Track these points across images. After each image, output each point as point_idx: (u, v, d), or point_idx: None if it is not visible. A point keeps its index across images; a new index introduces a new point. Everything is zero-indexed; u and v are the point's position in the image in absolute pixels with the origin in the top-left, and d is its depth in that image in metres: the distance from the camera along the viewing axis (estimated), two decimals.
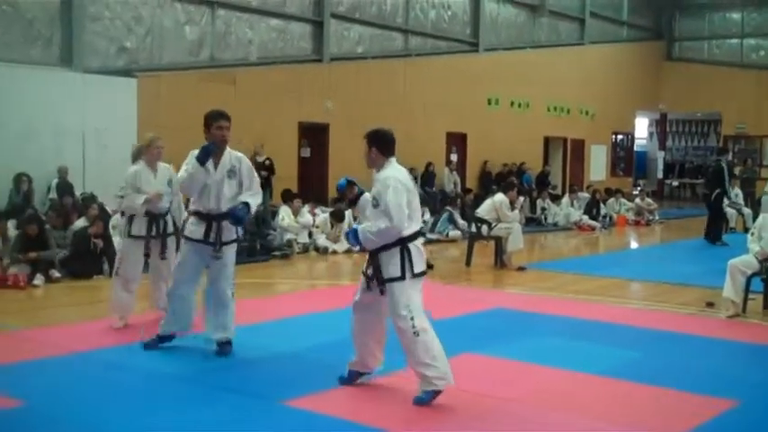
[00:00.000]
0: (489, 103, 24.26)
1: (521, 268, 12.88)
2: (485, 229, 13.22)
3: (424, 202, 18.11)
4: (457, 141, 23.64)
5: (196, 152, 6.83)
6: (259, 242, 13.86)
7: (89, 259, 11.37)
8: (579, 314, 9.10)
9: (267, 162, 16.61)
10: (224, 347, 6.87)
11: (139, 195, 8.00)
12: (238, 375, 6.37)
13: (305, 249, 14.63)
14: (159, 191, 8.12)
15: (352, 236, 5.77)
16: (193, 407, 5.58)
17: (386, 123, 21.99)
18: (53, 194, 14.18)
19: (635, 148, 32.94)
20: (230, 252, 6.92)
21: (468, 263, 13.27)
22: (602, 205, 21.62)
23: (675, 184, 33.84)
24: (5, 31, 14.37)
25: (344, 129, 18.65)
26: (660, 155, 33.81)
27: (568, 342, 7.72)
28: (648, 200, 23.04)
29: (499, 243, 13.16)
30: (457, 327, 8.41)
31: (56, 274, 10.93)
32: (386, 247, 5.64)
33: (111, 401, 5.68)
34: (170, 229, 8.29)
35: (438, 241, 16.62)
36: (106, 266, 11.44)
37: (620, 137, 31.64)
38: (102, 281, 11.19)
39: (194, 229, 6.88)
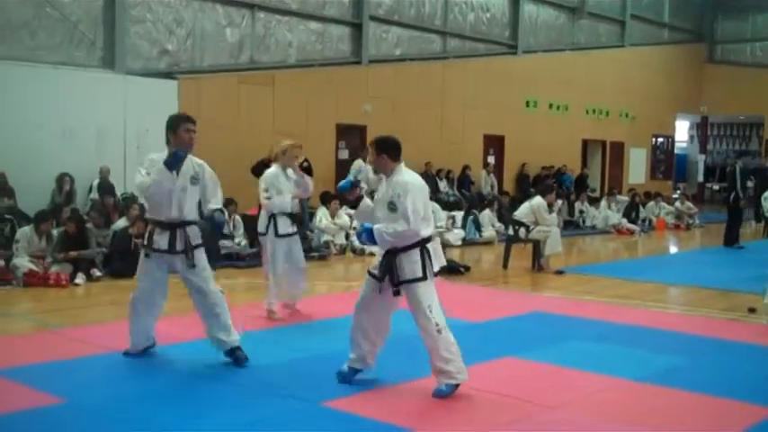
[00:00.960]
0: (527, 105, 24.15)
1: (559, 272, 12.80)
2: (522, 231, 13.17)
3: (454, 206, 18.23)
4: (494, 143, 23.57)
5: (155, 156, 6.65)
6: None
7: (129, 258, 11.47)
8: (619, 319, 9.03)
9: (305, 164, 16.61)
10: (238, 356, 6.63)
11: (287, 195, 8.78)
12: (277, 376, 6.39)
13: (342, 251, 14.67)
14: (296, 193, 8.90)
15: (367, 235, 5.85)
16: (234, 407, 5.62)
17: (423, 125, 22.25)
18: (94, 194, 14.35)
19: (675, 152, 32.58)
20: (201, 255, 6.73)
21: (505, 266, 13.23)
22: (641, 209, 21.43)
23: (716, 187, 33.42)
24: (50, 33, 14.58)
25: (382, 130, 18.53)
26: (701, 158, 33.41)
27: (610, 347, 7.66)
28: (688, 203, 22.79)
29: (537, 246, 13.09)
30: (496, 330, 8.40)
31: (97, 273, 11.07)
32: (405, 249, 5.77)
33: (151, 400, 5.73)
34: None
35: (474, 243, 16.57)
36: None
37: (660, 140, 31.33)
38: None
39: (158, 239, 6.64)
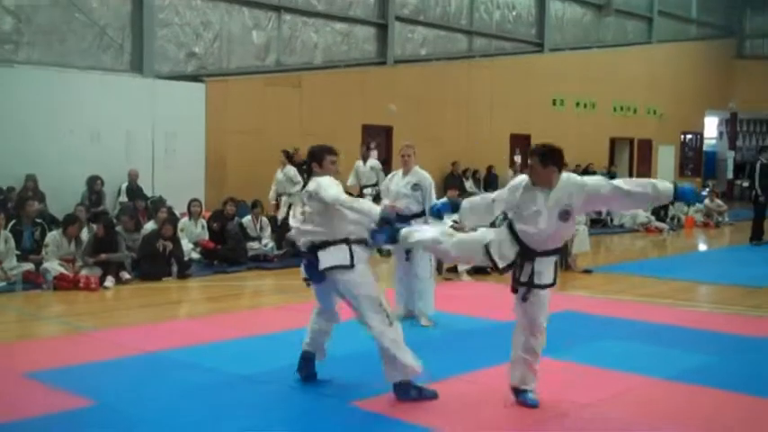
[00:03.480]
0: (554, 103, 24.05)
1: (587, 271, 12.73)
2: None
3: None
4: (521, 142, 23.46)
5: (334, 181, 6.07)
6: None
7: (158, 261, 11.58)
8: (649, 317, 8.96)
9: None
10: None
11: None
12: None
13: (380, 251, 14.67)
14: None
15: (442, 208, 6.16)
16: (264, 407, 5.64)
17: (449, 125, 22.21)
18: (123, 198, 14.48)
19: (704, 149, 32.29)
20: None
21: None
22: (669, 206, 21.24)
23: (746, 184, 33.03)
24: (79, 38, 14.73)
25: (408, 131, 18.63)
26: (730, 155, 33.07)
27: (640, 346, 7.61)
28: (718, 201, 22.56)
29: (565, 245, 13.01)
30: None
31: (126, 275, 11.15)
32: (546, 253, 5.62)
33: (181, 402, 5.77)
34: None
35: None
36: (175, 268, 11.66)
37: (688, 137, 31.07)
38: (171, 282, 11.40)
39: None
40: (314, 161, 6.14)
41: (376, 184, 15.30)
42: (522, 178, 5.60)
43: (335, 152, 6.19)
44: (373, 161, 16.05)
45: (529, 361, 5.65)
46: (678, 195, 5.32)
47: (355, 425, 5.28)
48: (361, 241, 5.89)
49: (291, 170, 14.88)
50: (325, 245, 5.78)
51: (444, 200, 6.22)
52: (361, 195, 14.54)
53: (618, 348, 7.52)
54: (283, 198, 14.89)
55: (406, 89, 19.67)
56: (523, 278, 5.62)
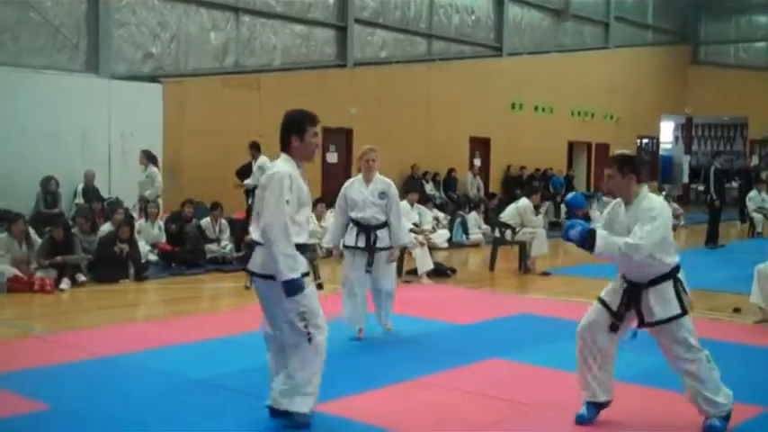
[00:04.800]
0: (513, 107, 24.19)
1: (545, 273, 12.83)
2: (509, 233, 13.18)
3: (440, 208, 18.24)
4: (480, 146, 23.60)
5: (288, 170, 5.17)
6: None
7: (115, 264, 11.45)
8: None
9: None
10: None
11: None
12: (265, 381, 6.36)
13: (329, 253, 14.61)
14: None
15: (581, 231, 5.07)
16: (219, 412, 5.59)
17: (409, 128, 22.24)
18: (79, 199, 14.29)
19: (660, 153, 32.71)
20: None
21: (491, 267, 13.23)
22: None
23: (701, 188, 33.51)
24: (33, 37, 14.51)
25: (368, 133, 18.64)
26: (686, 159, 33.54)
27: None
28: (674, 204, 22.81)
29: (523, 248, 13.11)
30: (483, 331, 8.40)
31: (82, 278, 11.01)
32: (654, 282, 5.17)
33: (136, 406, 5.69)
34: (382, 243, 7.79)
35: (461, 246, 16.58)
36: (132, 271, 11.54)
37: (645, 141, 31.45)
38: (127, 285, 11.28)
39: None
40: (293, 133, 5.17)
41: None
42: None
43: (318, 120, 5.29)
44: (263, 159, 14.39)
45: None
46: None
47: (318, 429, 5.23)
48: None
49: (264, 159, 14.28)
50: None
51: (578, 193, 5.62)
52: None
53: (574, 350, 7.55)
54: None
55: (366, 92, 19.66)
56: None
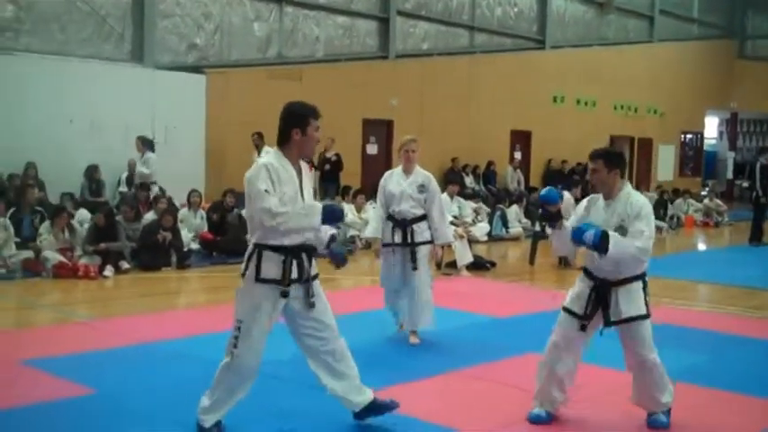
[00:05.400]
0: (555, 101, 24.04)
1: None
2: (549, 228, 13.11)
3: (483, 200, 18.20)
4: (521, 139, 23.50)
5: (267, 161, 4.97)
6: None
7: (158, 252, 11.59)
8: None
9: (335, 158, 16.68)
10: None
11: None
12: (304, 368, 6.39)
13: (367, 245, 14.67)
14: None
15: (594, 237, 4.95)
16: (259, 399, 5.64)
17: (450, 121, 22.15)
18: (123, 188, 14.47)
19: (704, 148, 32.30)
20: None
21: (531, 262, 13.19)
22: (669, 205, 21.26)
23: (746, 185, 33.05)
24: (80, 27, 14.72)
25: (409, 125, 18.65)
26: (730, 155, 33.10)
27: None
28: (717, 201, 22.60)
29: None
30: (521, 326, 8.39)
31: (125, 265, 11.16)
32: (624, 281, 5.17)
33: (178, 391, 5.78)
34: (420, 237, 7.48)
35: (501, 239, 16.55)
36: (174, 259, 11.69)
37: (689, 136, 31.09)
38: (170, 273, 11.43)
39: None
40: (294, 126, 4.93)
41: None
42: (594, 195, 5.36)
43: (320, 114, 5.08)
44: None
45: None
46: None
47: (348, 418, 5.26)
48: None
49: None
50: None
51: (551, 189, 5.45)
52: None
53: (613, 347, 7.50)
54: None
55: (408, 84, 19.67)
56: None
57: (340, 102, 18.03)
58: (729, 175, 32.85)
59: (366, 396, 5.07)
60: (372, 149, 19.46)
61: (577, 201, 13.17)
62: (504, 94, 22.03)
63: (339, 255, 5.19)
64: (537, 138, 23.64)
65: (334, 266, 5.19)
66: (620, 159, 5.30)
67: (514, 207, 17.95)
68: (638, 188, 21.62)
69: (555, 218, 5.27)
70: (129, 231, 11.80)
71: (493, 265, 12.82)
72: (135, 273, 11.16)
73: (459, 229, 12.18)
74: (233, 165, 15.31)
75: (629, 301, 5.16)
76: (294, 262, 4.82)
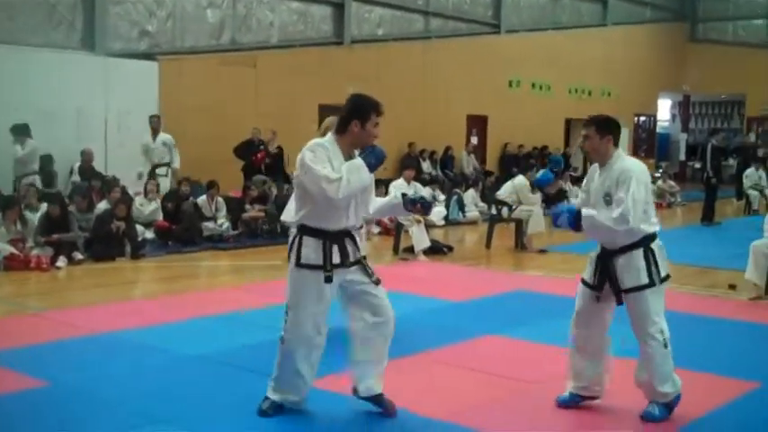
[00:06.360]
0: (510, 85, 24.13)
1: (542, 251, 12.86)
2: (505, 211, 13.20)
3: (440, 185, 18.25)
4: (478, 124, 23.56)
5: (323, 141, 4.93)
6: (279, 226, 13.92)
7: (111, 241, 11.46)
8: None
9: (276, 150, 16.23)
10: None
11: None
12: (262, 356, 6.35)
13: None
14: None
15: (568, 218, 5.05)
16: (217, 388, 5.62)
17: (406, 106, 22.12)
18: (75, 177, 14.26)
19: (657, 130, 32.68)
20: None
21: (488, 245, 13.26)
22: None
23: (698, 166, 33.50)
24: (29, 15, 14.43)
25: None
26: (683, 137, 33.52)
27: None
28: (671, 182, 22.89)
29: (520, 225, 13.13)
30: (479, 309, 8.44)
31: (78, 256, 11.01)
32: (624, 249, 5.04)
33: (135, 381, 5.73)
34: None
35: (458, 223, 16.60)
36: (128, 249, 11.56)
37: (642, 119, 31.41)
38: (124, 263, 11.30)
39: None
40: (356, 118, 4.87)
41: (169, 164, 14.29)
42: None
43: (382, 111, 4.97)
44: (165, 136, 14.35)
45: None
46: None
47: (313, 404, 5.25)
48: None
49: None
50: None
51: (546, 171, 5.53)
52: (153, 176, 13.88)
53: (569, 327, 7.59)
54: None
55: (363, 69, 19.58)
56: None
57: (295, 88, 17.94)
58: (682, 156, 33.28)
59: (378, 388, 5.11)
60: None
61: (532, 185, 13.34)
62: (460, 79, 22.05)
63: (426, 203, 5.19)
64: (493, 122, 23.72)
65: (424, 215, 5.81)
66: (614, 126, 5.20)
67: (471, 191, 18.02)
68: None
69: (557, 199, 5.30)
70: (82, 222, 11.64)
71: (450, 249, 12.86)
72: (88, 263, 11.01)
73: (417, 215, 12.18)
74: (187, 152, 15.18)
75: (628, 270, 5.02)
76: (335, 247, 4.82)
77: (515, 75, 24.15)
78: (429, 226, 13.20)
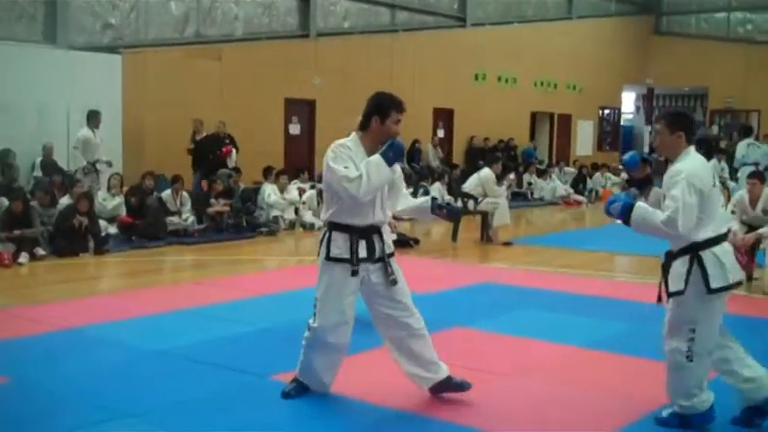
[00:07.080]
0: (476, 78, 24.18)
1: (507, 243, 12.90)
2: (471, 204, 13.23)
3: (407, 178, 18.22)
4: (444, 117, 23.59)
5: (345, 141, 5.11)
6: (245, 219, 13.87)
7: (75, 237, 11.33)
8: (566, 288, 9.14)
9: (227, 140, 15.94)
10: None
11: None
12: (227, 351, 6.35)
13: (291, 226, 14.61)
14: None
15: (621, 209, 4.80)
16: (181, 383, 5.57)
17: None
18: (37, 172, 14.09)
19: (622, 123, 32.94)
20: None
21: (454, 238, 13.28)
22: (588, 180, 21.66)
23: (662, 158, 33.74)
24: None
25: (332, 105, 18.57)
26: (647, 129, 33.80)
27: (556, 315, 7.74)
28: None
29: (485, 218, 13.17)
30: (445, 301, 8.44)
31: (41, 251, 10.87)
32: (677, 254, 4.83)
33: (98, 378, 5.66)
34: None
35: None
36: (91, 244, 11.44)
37: (606, 111, 31.63)
38: (87, 258, 11.18)
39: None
40: (376, 114, 5.06)
41: (109, 162, 13.73)
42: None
43: (404, 109, 5.14)
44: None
45: None
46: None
47: (277, 398, 5.24)
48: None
49: None
50: None
51: (636, 153, 5.34)
52: (95, 170, 13.56)
53: (536, 318, 7.64)
54: None
55: (330, 63, 19.53)
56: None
57: (261, 81, 17.84)
58: (646, 149, 33.53)
59: (440, 373, 5.22)
60: (295, 129, 19.29)
61: (498, 177, 13.39)
62: (426, 72, 22.04)
63: (455, 211, 5.46)
64: (459, 115, 23.75)
65: (450, 220, 5.81)
66: (686, 121, 4.91)
67: (437, 184, 18.04)
68: (557, 163, 21.82)
69: (643, 184, 5.13)
70: (45, 217, 11.49)
71: (416, 242, 12.87)
72: (51, 259, 10.88)
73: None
74: (151, 146, 15.08)
75: (674, 276, 4.81)
76: (363, 242, 4.95)
77: (481, 68, 24.19)
78: (395, 218, 13.19)
